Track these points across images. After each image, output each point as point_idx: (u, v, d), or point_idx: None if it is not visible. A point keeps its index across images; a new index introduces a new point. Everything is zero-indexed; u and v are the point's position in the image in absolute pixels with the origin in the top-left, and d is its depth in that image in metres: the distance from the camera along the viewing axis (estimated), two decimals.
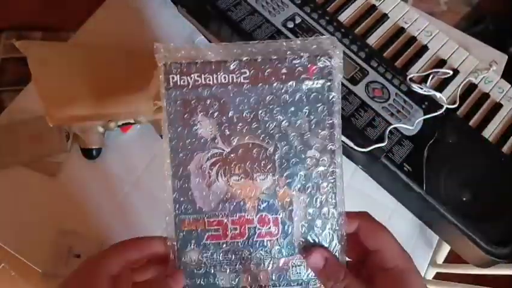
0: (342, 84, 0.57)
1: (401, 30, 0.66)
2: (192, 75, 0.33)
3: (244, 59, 0.33)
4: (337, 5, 0.66)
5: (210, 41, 0.67)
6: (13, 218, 0.61)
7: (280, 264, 0.33)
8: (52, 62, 0.62)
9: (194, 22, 0.67)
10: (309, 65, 0.33)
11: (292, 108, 0.33)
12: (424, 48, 0.65)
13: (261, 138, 0.33)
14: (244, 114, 0.33)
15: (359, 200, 0.68)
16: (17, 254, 0.60)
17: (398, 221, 0.67)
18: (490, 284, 0.62)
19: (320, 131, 0.33)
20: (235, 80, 0.33)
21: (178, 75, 0.33)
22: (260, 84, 0.33)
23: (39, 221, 0.61)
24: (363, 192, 0.66)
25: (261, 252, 0.33)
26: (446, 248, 0.68)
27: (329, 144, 0.33)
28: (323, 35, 0.61)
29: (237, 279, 0.33)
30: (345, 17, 0.65)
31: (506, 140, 0.60)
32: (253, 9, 0.60)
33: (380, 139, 0.55)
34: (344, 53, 0.60)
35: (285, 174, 0.33)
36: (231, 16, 0.59)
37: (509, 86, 0.65)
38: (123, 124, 0.64)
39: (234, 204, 0.33)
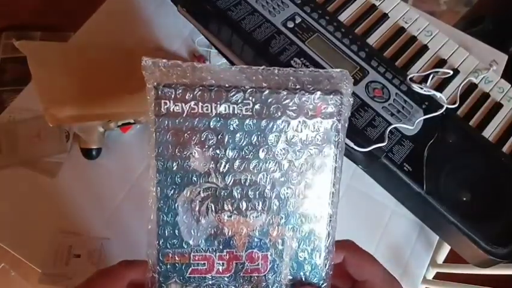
0: None
1: (401, 30, 0.66)
2: (189, 103, 0.29)
3: (249, 90, 0.29)
4: (337, 5, 0.66)
5: (209, 41, 0.67)
6: (13, 218, 0.61)
7: None
8: (52, 62, 0.62)
9: (194, 22, 0.67)
10: (319, 104, 0.30)
11: (295, 148, 0.30)
12: (424, 48, 0.65)
13: (259, 177, 0.30)
14: (243, 152, 0.30)
15: (359, 200, 0.69)
16: (17, 254, 0.60)
17: (398, 221, 0.67)
18: (490, 284, 0.62)
19: (321, 172, 0.31)
20: (236, 112, 0.29)
21: (171, 101, 0.29)
22: (264, 120, 0.30)
23: (39, 221, 0.61)
24: (363, 192, 0.66)
25: (246, 287, 0.31)
26: (446, 248, 0.68)
27: (329, 184, 0.31)
28: (323, 34, 0.61)
29: None
30: (345, 16, 0.65)
31: (506, 140, 0.60)
32: (253, 9, 0.60)
33: (380, 139, 0.55)
34: (344, 52, 0.60)
35: (280, 214, 0.31)
36: (231, 16, 0.59)
37: (509, 86, 0.65)
38: (123, 124, 0.64)
39: (223, 240, 0.31)
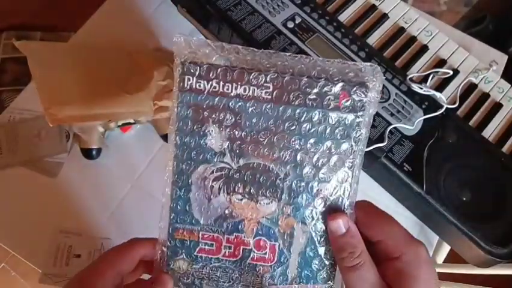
0: None
1: (401, 30, 0.66)
2: (210, 82, 0.29)
3: (271, 74, 0.29)
4: (337, 5, 0.66)
5: None
6: (13, 218, 0.61)
7: None
8: (52, 62, 0.62)
9: (194, 22, 0.67)
10: (341, 95, 0.29)
11: (312, 140, 0.30)
12: (424, 48, 0.65)
13: (273, 163, 0.30)
14: (259, 136, 0.30)
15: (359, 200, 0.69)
16: (17, 254, 0.60)
17: (398, 221, 0.67)
18: (490, 284, 0.63)
19: (338, 168, 0.30)
20: (256, 95, 0.29)
21: (195, 78, 0.29)
22: (283, 106, 0.29)
23: (39, 221, 0.61)
24: (363, 192, 0.66)
25: (251, 276, 0.31)
26: (446, 248, 0.68)
27: (345, 183, 0.30)
28: (323, 34, 0.61)
29: None
30: (345, 16, 0.65)
31: (506, 140, 0.60)
32: (253, 9, 0.60)
33: (380, 139, 0.55)
34: (344, 52, 0.60)
35: (291, 205, 0.30)
36: (230, 16, 0.59)
37: (509, 86, 0.65)
38: (123, 124, 0.64)
39: (232, 223, 0.31)
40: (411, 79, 0.61)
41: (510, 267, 0.57)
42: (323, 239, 0.31)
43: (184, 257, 0.31)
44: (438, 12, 1.58)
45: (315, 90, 0.29)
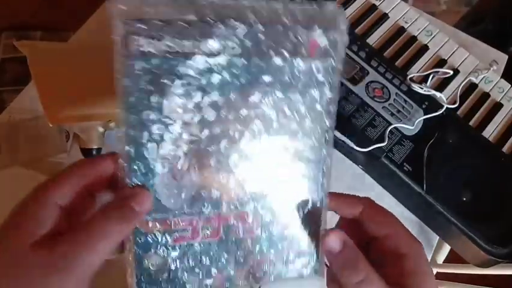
0: (342, 84, 0.57)
1: (401, 30, 0.66)
2: (165, 41, 0.23)
3: (238, 25, 0.24)
4: (337, 5, 0.66)
5: None
6: None
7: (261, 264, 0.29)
8: (52, 62, 0.62)
9: None
10: (313, 42, 0.26)
11: (290, 90, 0.27)
12: (424, 48, 0.65)
13: (250, 126, 0.26)
14: (231, 98, 0.25)
15: None
16: None
17: None
18: (490, 284, 0.62)
19: (316, 116, 0.28)
20: (223, 51, 0.24)
21: (144, 39, 0.23)
22: (255, 60, 0.25)
23: None
24: (363, 192, 0.66)
25: (238, 252, 0.28)
26: (446, 248, 0.68)
27: (324, 135, 0.28)
28: None
29: (210, 284, 0.27)
30: None
31: (506, 140, 0.60)
32: None
33: (380, 139, 0.55)
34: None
35: (275, 167, 0.28)
36: None
37: (509, 86, 0.65)
38: None
39: (208, 200, 0.27)
40: (411, 79, 0.61)
41: (510, 267, 0.57)
42: (304, 199, 0.29)
43: (158, 251, 0.26)
44: (438, 12, 1.58)
45: (290, 39, 0.26)
